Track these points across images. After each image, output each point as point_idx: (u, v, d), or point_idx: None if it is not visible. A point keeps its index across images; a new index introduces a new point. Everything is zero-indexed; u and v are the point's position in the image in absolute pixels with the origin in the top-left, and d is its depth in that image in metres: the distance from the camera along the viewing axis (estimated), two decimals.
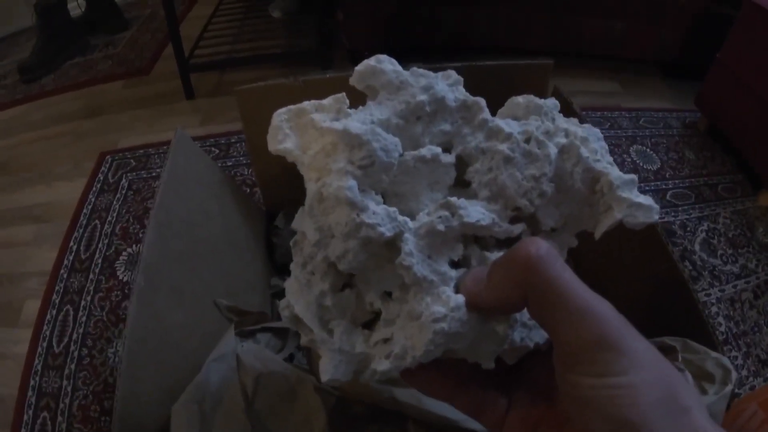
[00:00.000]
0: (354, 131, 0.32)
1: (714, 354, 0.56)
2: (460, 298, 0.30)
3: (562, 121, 0.38)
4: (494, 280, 0.29)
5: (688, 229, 1.48)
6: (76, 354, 1.07)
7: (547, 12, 1.83)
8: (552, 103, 0.39)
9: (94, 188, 1.48)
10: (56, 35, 2.10)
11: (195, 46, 1.87)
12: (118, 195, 1.45)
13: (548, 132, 0.36)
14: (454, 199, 0.32)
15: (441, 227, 0.31)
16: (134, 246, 1.30)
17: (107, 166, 1.56)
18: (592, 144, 0.36)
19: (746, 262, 1.46)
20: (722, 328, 1.27)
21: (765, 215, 1.60)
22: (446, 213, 0.32)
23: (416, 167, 0.34)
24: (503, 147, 0.34)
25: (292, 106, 0.36)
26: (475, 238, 0.35)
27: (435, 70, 0.38)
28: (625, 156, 1.65)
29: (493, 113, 0.40)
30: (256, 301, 0.76)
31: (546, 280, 0.26)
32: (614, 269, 0.78)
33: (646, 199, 0.34)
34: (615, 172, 0.35)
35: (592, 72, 2.00)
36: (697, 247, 1.44)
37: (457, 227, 0.32)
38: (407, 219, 0.32)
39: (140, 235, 1.31)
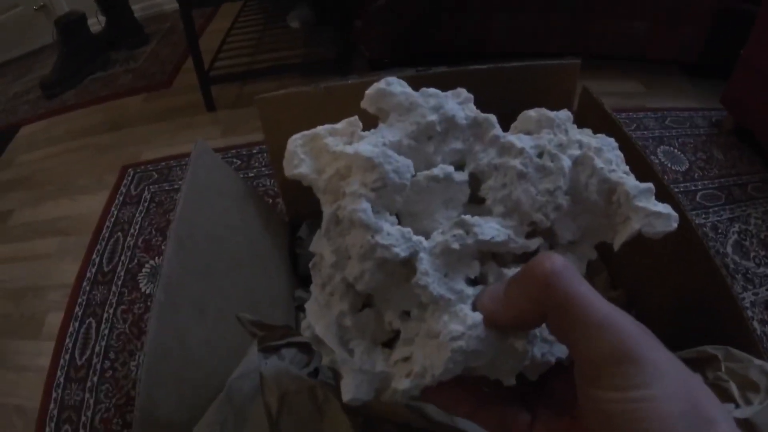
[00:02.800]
0: (365, 154, 0.32)
1: (758, 362, 0.52)
2: (478, 316, 0.30)
3: (575, 133, 0.38)
4: (511, 297, 0.29)
5: (720, 231, 1.43)
6: (98, 367, 1.06)
7: (566, 15, 1.80)
8: (565, 115, 0.38)
9: (116, 201, 1.48)
10: (77, 51, 2.13)
11: (215, 59, 1.88)
12: (140, 207, 1.45)
13: (561, 144, 0.36)
14: (468, 217, 0.33)
15: (455, 245, 0.31)
16: (156, 258, 1.29)
17: (129, 178, 1.56)
18: (607, 154, 0.36)
19: None
20: (757, 333, 1.21)
21: None
22: (461, 231, 0.32)
23: (429, 187, 0.34)
24: (516, 162, 0.34)
25: (306, 132, 0.37)
26: (492, 254, 0.34)
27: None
28: (653, 157, 1.60)
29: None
30: (280, 314, 0.74)
31: (563, 296, 0.26)
32: (651, 275, 0.74)
33: (664, 208, 0.33)
34: (631, 182, 0.35)
35: (614, 73, 1.96)
36: (729, 250, 1.39)
37: (472, 245, 0.32)
38: (422, 238, 0.32)
39: (163, 248, 1.30)
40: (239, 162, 1.57)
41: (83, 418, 0.98)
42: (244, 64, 1.92)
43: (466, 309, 0.30)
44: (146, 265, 1.27)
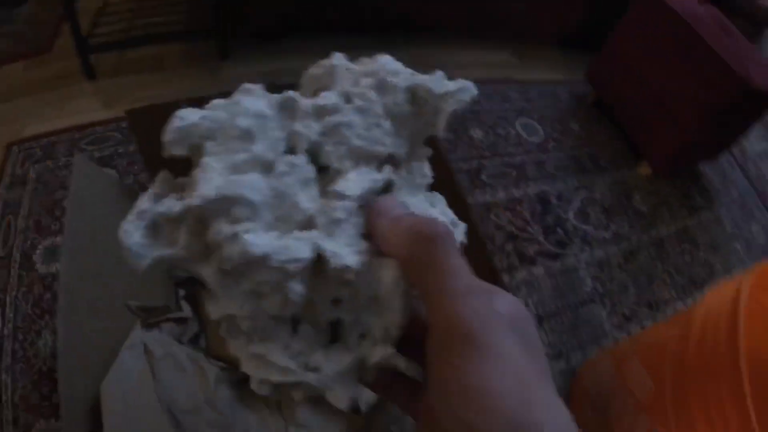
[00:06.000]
0: (214, 194, 0.31)
1: None
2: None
3: (361, 67, 0.41)
4: (395, 236, 0.31)
5: (564, 198, 1.69)
6: (10, 349, 1.22)
7: None
8: (339, 57, 0.41)
9: (3, 182, 1.58)
10: None
11: (94, 24, 1.93)
12: (27, 188, 1.55)
13: (357, 82, 0.39)
14: (332, 187, 0.34)
15: (341, 215, 0.33)
16: (49, 238, 1.42)
17: (15, 157, 1.64)
18: (390, 67, 0.40)
19: (618, 228, 1.69)
20: (588, 288, 1.51)
21: (643, 184, 1.83)
22: (337, 200, 0.33)
23: (283, 183, 0.34)
24: (336, 118, 0.37)
25: (133, 211, 0.34)
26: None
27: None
28: (510, 129, 1.84)
29: None
30: (161, 294, 0.94)
31: (437, 260, 0.28)
32: None
33: (459, 83, 0.39)
34: (420, 78, 0.39)
35: (491, 44, 2.17)
36: (570, 215, 1.65)
37: (350, 205, 0.33)
38: (312, 231, 0.33)
39: (53, 227, 1.44)
40: (120, 136, 1.68)
41: (4, 398, 1.14)
42: (124, 30, 1.98)
43: (380, 260, 0.32)
44: (39, 246, 1.41)
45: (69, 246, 0.76)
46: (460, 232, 0.39)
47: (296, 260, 0.30)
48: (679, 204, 1.88)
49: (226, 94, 0.37)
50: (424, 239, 0.29)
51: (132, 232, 0.32)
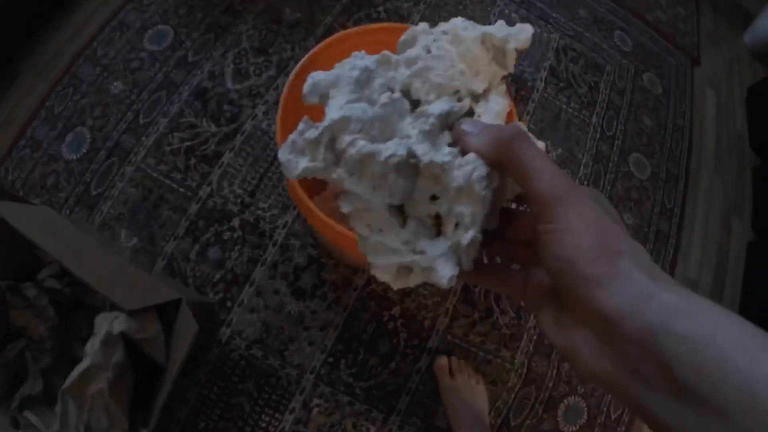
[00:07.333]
0: (338, 117, 0.42)
1: None
2: (472, 155, 0.40)
3: (438, 28, 0.53)
4: (484, 141, 0.39)
5: (217, 73, 1.59)
6: None
7: None
8: (422, 25, 0.54)
9: None
10: None
11: None
12: None
13: (435, 39, 0.51)
14: (421, 108, 0.45)
15: (427, 127, 0.42)
16: None
17: None
18: (463, 25, 0.52)
19: (281, 55, 1.64)
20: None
21: None
22: (423, 118, 0.43)
23: (386, 111, 0.44)
24: (420, 64, 0.48)
25: (285, 141, 0.46)
26: (447, 126, 0.45)
27: None
28: (140, 53, 1.66)
29: None
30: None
31: (520, 150, 0.35)
32: None
33: (518, 27, 0.50)
34: (490, 28, 0.51)
35: None
36: (229, 85, 1.59)
37: (436, 121, 0.43)
38: (407, 138, 0.43)
39: None
40: None
41: None
42: None
43: (462, 158, 0.40)
44: None
45: None
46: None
47: (395, 155, 0.40)
48: None
49: None
50: (505, 142, 0.36)
51: (287, 153, 0.46)
